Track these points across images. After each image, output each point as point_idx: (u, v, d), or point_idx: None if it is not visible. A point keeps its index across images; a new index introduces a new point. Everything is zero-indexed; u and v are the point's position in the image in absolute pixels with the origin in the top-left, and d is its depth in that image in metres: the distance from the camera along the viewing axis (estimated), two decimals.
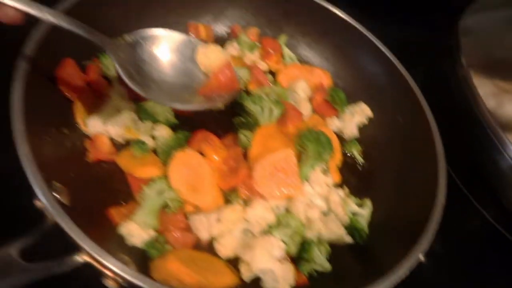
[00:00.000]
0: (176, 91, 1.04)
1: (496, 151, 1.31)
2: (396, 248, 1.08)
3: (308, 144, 1.20)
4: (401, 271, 0.98)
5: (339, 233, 1.14)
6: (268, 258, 1.02)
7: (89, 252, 0.81)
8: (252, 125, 1.29)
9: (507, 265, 1.42)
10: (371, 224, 1.25)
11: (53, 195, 0.88)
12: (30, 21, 0.85)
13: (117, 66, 0.92)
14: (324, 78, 1.56)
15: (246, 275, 1.03)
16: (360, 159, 1.42)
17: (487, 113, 1.31)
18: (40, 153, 0.92)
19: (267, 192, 1.14)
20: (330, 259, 1.13)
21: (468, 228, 1.52)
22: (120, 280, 0.84)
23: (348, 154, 1.43)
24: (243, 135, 1.27)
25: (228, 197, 1.17)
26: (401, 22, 2.00)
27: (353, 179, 1.37)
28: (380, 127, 1.49)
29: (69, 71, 1.16)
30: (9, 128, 0.91)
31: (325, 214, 1.19)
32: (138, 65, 0.99)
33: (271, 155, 1.16)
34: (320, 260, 1.09)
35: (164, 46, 1.06)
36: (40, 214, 0.87)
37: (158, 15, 1.46)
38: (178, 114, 1.27)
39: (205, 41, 1.47)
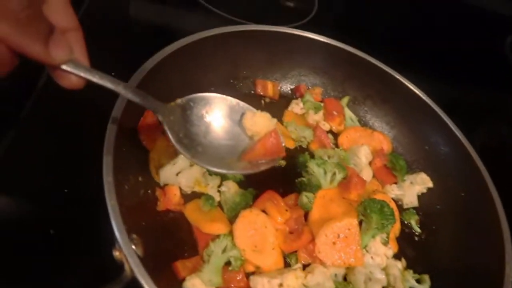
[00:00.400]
0: (221, 155, 1.03)
1: None
2: None
3: (372, 214, 1.21)
4: None
5: None
6: None
7: None
8: (314, 187, 1.32)
9: None
10: None
11: (132, 246, 0.92)
12: None
13: (166, 128, 0.94)
14: (384, 142, 1.57)
15: None
16: (417, 229, 1.41)
17: None
18: (122, 203, 0.97)
19: (328, 259, 1.15)
20: None
21: None
22: None
23: (406, 223, 1.42)
24: (305, 197, 1.29)
25: (288, 259, 1.19)
26: (459, 83, 2.00)
27: (410, 250, 1.36)
28: (439, 198, 1.48)
29: (149, 121, 1.23)
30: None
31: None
32: (186, 128, 1.00)
33: (335, 223, 1.18)
34: None
35: (213, 109, 1.06)
36: (119, 266, 0.90)
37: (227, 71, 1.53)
38: None
39: (270, 98, 1.55)
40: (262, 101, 1.61)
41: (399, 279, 1.19)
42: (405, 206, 1.45)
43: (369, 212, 1.21)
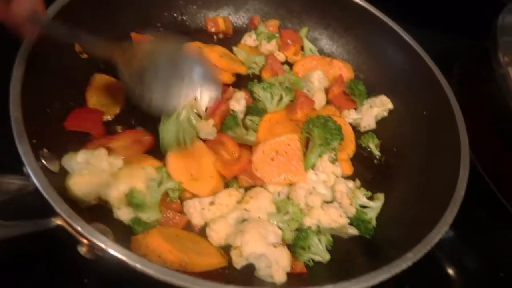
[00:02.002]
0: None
1: None
2: (405, 242, 0.97)
3: (315, 129, 1.13)
4: (404, 262, 0.89)
5: (341, 223, 1.05)
6: (261, 243, 0.95)
7: (62, 216, 0.79)
8: (260, 111, 1.25)
9: None
10: (382, 218, 1.15)
11: (40, 161, 0.88)
12: None
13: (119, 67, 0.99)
14: (344, 70, 1.49)
15: (237, 262, 0.96)
16: (377, 152, 1.33)
17: None
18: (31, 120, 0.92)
19: (266, 177, 1.09)
20: (332, 250, 1.06)
21: (502, 233, 1.39)
22: (95, 249, 0.81)
23: (364, 147, 1.34)
24: (250, 121, 1.22)
25: (230, 185, 1.13)
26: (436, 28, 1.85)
27: (368, 172, 1.29)
28: (402, 121, 1.40)
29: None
30: None
31: (328, 203, 1.10)
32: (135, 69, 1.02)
33: (273, 139, 1.11)
34: (317, 250, 1.01)
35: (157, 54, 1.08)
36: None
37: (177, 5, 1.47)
38: None
39: (224, 33, 1.48)
40: (215, 37, 1.53)
41: (346, 196, 1.11)
42: (362, 130, 1.37)
43: (312, 127, 1.14)
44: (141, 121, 1.19)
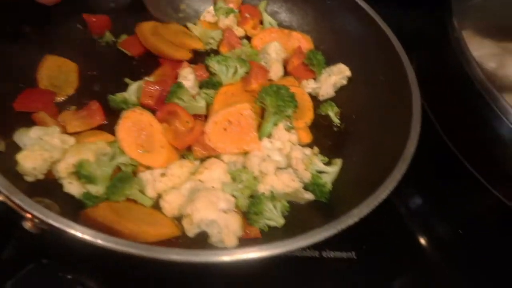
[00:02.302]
0: None
1: (493, 115, 1.16)
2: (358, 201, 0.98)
3: (267, 98, 1.13)
4: (351, 218, 0.90)
5: (294, 187, 1.05)
6: (212, 210, 0.96)
7: (2, 191, 0.79)
8: (216, 84, 1.25)
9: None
10: (340, 183, 1.15)
11: None
12: None
13: None
14: (303, 41, 1.48)
15: (189, 230, 0.97)
16: (336, 120, 1.33)
17: (480, 74, 1.17)
18: None
19: (220, 147, 1.09)
20: (290, 215, 1.07)
21: (469, 200, 1.39)
22: (37, 222, 0.81)
23: (324, 115, 1.34)
24: (205, 94, 1.22)
25: (186, 157, 1.13)
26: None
27: (327, 140, 1.29)
28: (360, 88, 1.39)
29: None
30: None
31: (282, 169, 1.11)
32: None
33: (226, 109, 1.11)
34: (272, 215, 1.02)
35: None
36: None
37: None
38: None
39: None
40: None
41: (302, 162, 1.11)
42: (321, 98, 1.37)
43: (265, 95, 1.13)
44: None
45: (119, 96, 1.17)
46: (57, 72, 1.22)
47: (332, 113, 1.33)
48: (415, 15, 1.76)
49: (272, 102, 1.13)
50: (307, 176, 1.11)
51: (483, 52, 1.31)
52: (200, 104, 1.15)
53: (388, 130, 1.21)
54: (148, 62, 1.34)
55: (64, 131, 1.10)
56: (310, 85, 1.38)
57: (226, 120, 1.10)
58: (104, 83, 1.26)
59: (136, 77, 1.27)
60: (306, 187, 1.12)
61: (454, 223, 1.29)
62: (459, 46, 1.27)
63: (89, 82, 1.26)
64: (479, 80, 1.18)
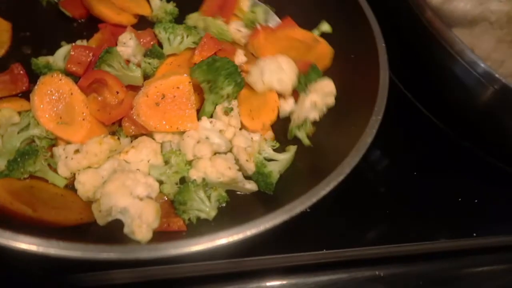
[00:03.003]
0: None
1: (443, 50, 1.05)
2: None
3: (198, 71, 0.98)
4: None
5: (230, 176, 0.91)
6: (124, 195, 0.82)
7: None
8: (160, 54, 1.10)
9: (456, 164, 1.22)
10: (291, 173, 1.01)
11: None
12: None
13: None
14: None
15: (99, 217, 0.83)
16: (306, 141, 1.08)
17: (426, 9, 1.07)
18: None
19: (149, 124, 0.95)
20: (229, 206, 0.94)
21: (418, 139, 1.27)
22: None
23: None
24: (148, 64, 1.07)
25: (117, 135, 0.99)
26: None
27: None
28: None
29: None
30: None
31: (220, 154, 0.96)
32: None
33: (159, 80, 0.96)
34: (202, 206, 0.88)
35: None
36: None
37: None
38: None
39: None
40: None
41: (244, 151, 0.97)
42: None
43: (197, 68, 0.98)
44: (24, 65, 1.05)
45: (42, 59, 1.04)
46: None
47: (304, 133, 1.08)
48: None
49: (203, 76, 0.98)
50: (250, 167, 0.96)
51: None
52: (134, 74, 1.01)
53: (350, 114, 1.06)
54: (90, 26, 1.19)
55: None
56: (288, 105, 1.12)
57: (159, 94, 0.95)
58: (38, 46, 1.13)
59: (75, 42, 1.12)
60: (249, 176, 0.98)
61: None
62: None
63: (21, 44, 1.13)
64: (426, 16, 1.08)
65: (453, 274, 1.07)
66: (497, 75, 0.97)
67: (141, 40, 1.13)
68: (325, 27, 1.22)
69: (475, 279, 1.08)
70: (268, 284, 0.96)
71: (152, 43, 1.14)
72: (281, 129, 1.11)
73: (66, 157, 0.88)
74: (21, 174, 0.85)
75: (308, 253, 0.97)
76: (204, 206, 0.89)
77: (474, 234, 1.08)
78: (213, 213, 0.90)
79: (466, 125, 1.21)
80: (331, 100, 1.08)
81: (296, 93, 1.12)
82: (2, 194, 0.78)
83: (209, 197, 0.91)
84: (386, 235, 1.05)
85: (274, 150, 1.03)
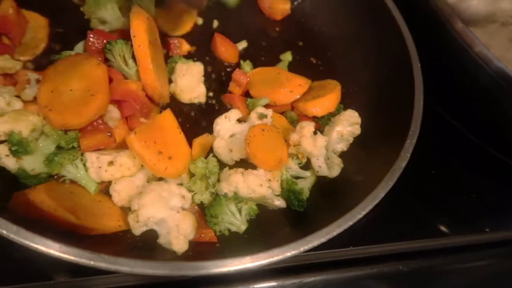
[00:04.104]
0: None
1: (460, 49, 1.11)
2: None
3: None
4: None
5: (261, 194, 0.92)
6: (161, 207, 0.83)
7: None
8: None
9: (483, 175, 1.26)
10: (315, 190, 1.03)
11: None
12: None
13: None
14: None
15: (135, 227, 0.85)
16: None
17: (446, 7, 1.13)
18: None
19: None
20: (257, 219, 0.95)
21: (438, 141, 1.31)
22: None
23: None
24: None
25: None
26: None
27: None
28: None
29: None
30: None
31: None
32: None
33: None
34: (233, 219, 0.89)
35: None
36: None
37: None
38: None
39: None
40: None
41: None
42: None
43: None
44: None
45: (64, 54, 1.03)
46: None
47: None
48: None
49: None
50: (275, 187, 0.97)
51: None
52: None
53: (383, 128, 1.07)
54: None
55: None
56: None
57: None
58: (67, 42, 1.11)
59: None
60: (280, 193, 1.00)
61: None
62: None
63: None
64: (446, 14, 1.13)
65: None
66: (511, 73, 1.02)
67: None
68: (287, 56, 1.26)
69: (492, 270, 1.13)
70: (300, 281, 0.98)
71: None
72: None
73: (100, 167, 0.89)
74: (55, 168, 0.86)
75: (338, 250, 1.00)
76: (235, 220, 0.91)
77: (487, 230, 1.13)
78: (243, 227, 0.92)
79: (483, 125, 1.28)
80: (357, 130, 1.07)
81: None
82: (46, 200, 0.79)
83: (240, 210, 0.92)
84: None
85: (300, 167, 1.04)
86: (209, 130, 1.05)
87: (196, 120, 1.10)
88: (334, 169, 1.01)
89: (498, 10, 1.47)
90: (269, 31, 1.35)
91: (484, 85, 1.13)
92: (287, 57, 1.28)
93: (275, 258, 0.73)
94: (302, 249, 0.75)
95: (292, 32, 1.36)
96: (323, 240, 0.77)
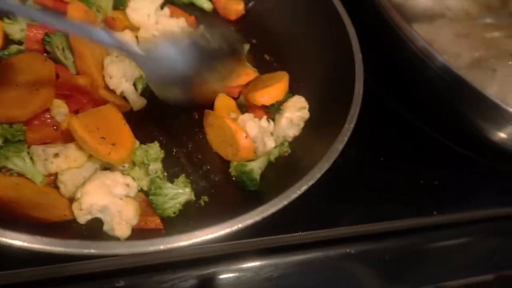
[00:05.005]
0: None
1: (401, 42, 1.19)
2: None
3: None
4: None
5: None
6: (104, 194, 0.86)
7: None
8: None
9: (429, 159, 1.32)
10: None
11: None
12: None
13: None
14: None
15: (79, 215, 0.87)
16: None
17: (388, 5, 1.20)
18: None
19: None
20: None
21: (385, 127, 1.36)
22: None
23: None
24: None
25: None
26: None
27: None
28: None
29: None
30: None
31: None
32: None
33: None
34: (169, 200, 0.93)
35: None
36: None
37: None
38: None
39: None
40: None
41: None
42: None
43: None
44: None
45: (11, 48, 1.06)
46: None
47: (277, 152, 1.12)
48: None
49: None
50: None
51: None
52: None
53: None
54: None
55: None
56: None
57: None
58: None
59: None
60: (234, 179, 1.05)
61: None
62: None
63: None
64: (388, 11, 1.20)
65: (420, 248, 1.17)
66: (452, 68, 1.08)
67: None
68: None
69: (442, 252, 1.18)
70: (249, 265, 1.01)
71: None
72: None
73: (46, 160, 0.91)
74: (4, 161, 0.89)
75: (286, 235, 1.03)
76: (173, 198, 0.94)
77: (434, 212, 1.18)
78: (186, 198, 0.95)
79: (430, 114, 1.35)
80: (305, 114, 1.13)
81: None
82: None
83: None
84: (357, 217, 1.13)
85: None
86: None
87: None
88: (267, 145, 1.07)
89: (444, 7, 1.56)
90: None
91: (430, 80, 1.19)
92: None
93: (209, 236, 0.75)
94: (235, 227, 0.77)
95: (246, 31, 1.40)
96: (257, 218, 0.79)
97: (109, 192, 0.87)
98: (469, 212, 1.24)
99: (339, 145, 0.94)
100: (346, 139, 0.95)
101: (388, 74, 1.38)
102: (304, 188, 0.85)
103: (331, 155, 0.92)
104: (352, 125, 0.98)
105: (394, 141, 1.31)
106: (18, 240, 0.69)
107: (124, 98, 1.09)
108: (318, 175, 0.88)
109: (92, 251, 0.70)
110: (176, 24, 1.20)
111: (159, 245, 0.74)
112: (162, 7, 1.25)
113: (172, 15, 1.26)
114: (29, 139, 0.92)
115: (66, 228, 0.89)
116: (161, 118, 1.11)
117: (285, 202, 0.82)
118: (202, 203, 1.00)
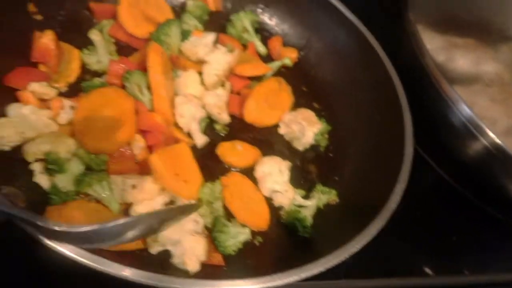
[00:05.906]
0: None
1: (445, 105, 1.24)
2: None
3: None
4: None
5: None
6: (178, 230, 0.93)
7: None
8: None
9: (464, 220, 1.39)
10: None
11: None
12: None
13: None
14: None
15: (152, 246, 0.94)
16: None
17: (433, 66, 1.25)
18: None
19: None
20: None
21: (424, 187, 1.45)
22: None
23: None
24: None
25: None
26: None
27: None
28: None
29: None
30: None
31: None
32: None
33: None
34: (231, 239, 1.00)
35: None
36: None
37: None
38: None
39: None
40: None
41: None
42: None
43: None
44: None
45: (94, 81, 1.15)
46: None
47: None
48: None
49: None
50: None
51: (433, 45, 1.36)
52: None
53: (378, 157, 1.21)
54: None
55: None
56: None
57: None
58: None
59: None
60: (286, 224, 1.12)
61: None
62: (414, 39, 1.32)
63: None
64: (432, 72, 1.25)
65: None
66: (490, 133, 1.13)
67: None
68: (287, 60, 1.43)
69: None
70: None
71: None
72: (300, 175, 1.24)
73: (124, 190, 0.99)
74: (84, 187, 0.95)
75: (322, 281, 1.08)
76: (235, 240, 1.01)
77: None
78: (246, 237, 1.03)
79: (466, 176, 1.38)
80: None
81: None
82: (77, 217, 0.89)
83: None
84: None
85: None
86: None
87: None
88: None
89: (481, 71, 1.63)
90: None
91: (470, 145, 1.24)
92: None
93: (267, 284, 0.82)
94: (298, 277, 0.84)
95: (297, 79, 1.49)
96: (321, 269, 0.87)
97: (181, 227, 0.94)
98: None
99: (393, 204, 1.01)
100: (399, 198, 1.02)
101: (428, 133, 1.42)
102: (362, 243, 0.92)
103: (386, 213, 0.99)
104: (404, 185, 1.05)
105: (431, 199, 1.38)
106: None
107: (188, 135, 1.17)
108: (374, 232, 0.95)
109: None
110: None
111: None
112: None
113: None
114: (111, 169, 1.00)
115: (136, 256, 0.95)
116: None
117: (347, 256, 0.89)
118: (257, 243, 1.07)
